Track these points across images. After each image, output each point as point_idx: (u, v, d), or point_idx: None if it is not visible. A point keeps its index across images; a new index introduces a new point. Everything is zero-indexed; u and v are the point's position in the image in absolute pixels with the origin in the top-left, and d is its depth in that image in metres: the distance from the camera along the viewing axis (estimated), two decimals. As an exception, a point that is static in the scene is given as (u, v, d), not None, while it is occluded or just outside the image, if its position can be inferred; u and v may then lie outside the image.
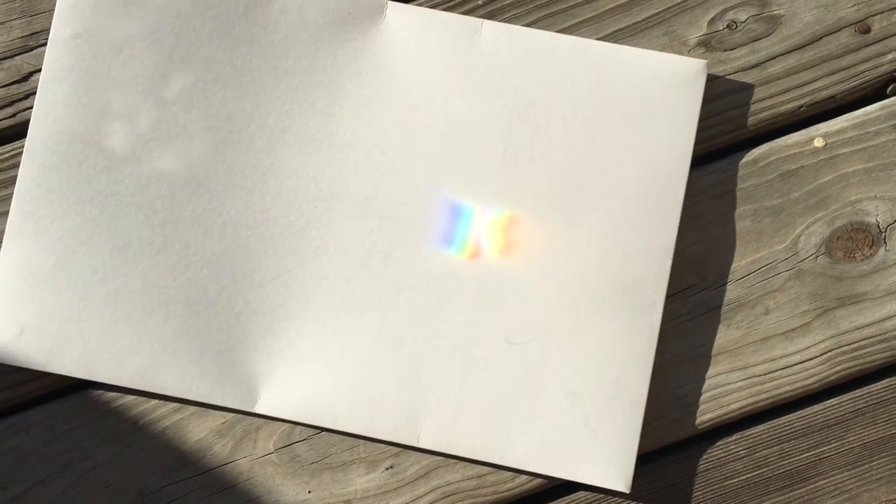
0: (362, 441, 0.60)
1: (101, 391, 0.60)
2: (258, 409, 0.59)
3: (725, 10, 0.62)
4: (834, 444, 0.61)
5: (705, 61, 0.60)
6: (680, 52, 0.61)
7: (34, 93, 0.61)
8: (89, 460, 0.60)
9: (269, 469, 0.60)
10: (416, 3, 0.62)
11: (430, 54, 0.60)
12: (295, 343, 0.59)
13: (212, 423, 0.60)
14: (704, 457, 0.61)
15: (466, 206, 0.59)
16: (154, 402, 0.60)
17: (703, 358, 0.60)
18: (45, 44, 0.62)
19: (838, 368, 0.60)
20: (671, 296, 0.60)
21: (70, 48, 0.60)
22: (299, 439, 0.60)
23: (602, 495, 0.60)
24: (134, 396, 0.60)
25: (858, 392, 0.61)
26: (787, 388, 0.60)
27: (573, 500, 0.60)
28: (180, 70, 0.60)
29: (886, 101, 0.62)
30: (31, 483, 0.60)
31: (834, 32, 0.62)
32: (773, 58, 0.62)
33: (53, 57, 0.60)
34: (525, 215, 0.59)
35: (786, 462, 0.61)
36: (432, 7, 0.62)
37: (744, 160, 0.61)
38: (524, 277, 0.58)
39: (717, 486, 0.60)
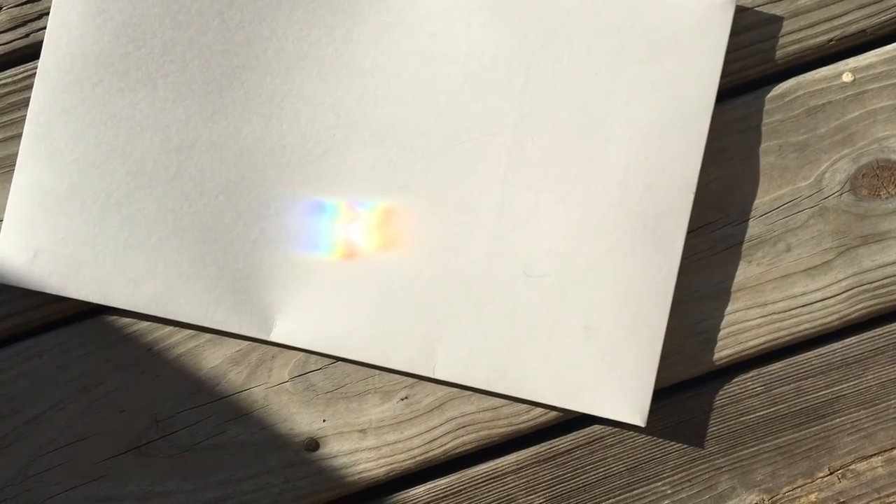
0: (377, 371, 0.60)
1: (115, 316, 0.60)
2: (273, 338, 0.59)
3: (756, -61, 0.60)
4: (852, 383, 0.60)
5: (734, -9, 0.58)
6: (708, -18, 0.60)
7: (48, 13, 0.60)
8: (104, 385, 0.60)
9: (284, 397, 0.60)
10: (438, -74, 0.60)
11: (453, -21, 0.58)
12: (311, 272, 0.58)
13: (227, 350, 0.60)
14: (721, 393, 0.60)
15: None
16: (169, 328, 0.60)
17: (722, 294, 0.60)
18: (58, -38, 0.60)
19: (859, 307, 0.60)
20: (692, 231, 0.60)
21: (85, -34, 0.58)
22: (314, 368, 0.60)
23: (617, 429, 0.60)
24: (149, 323, 0.60)
25: (878, 331, 0.60)
26: (807, 325, 0.60)
27: (589, 433, 0.60)
28: (197, -9, 0.59)
29: (918, 37, 0.61)
30: (46, 407, 0.60)
31: (867, -36, 0.60)
32: (804, -11, 0.60)
33: (67, -25, 0.58)
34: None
35: (802, 399, 0.60)
36: (455, -69, 0.60)
37: (770, 94, 0.60)
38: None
39: (732, 422, 0.60)
